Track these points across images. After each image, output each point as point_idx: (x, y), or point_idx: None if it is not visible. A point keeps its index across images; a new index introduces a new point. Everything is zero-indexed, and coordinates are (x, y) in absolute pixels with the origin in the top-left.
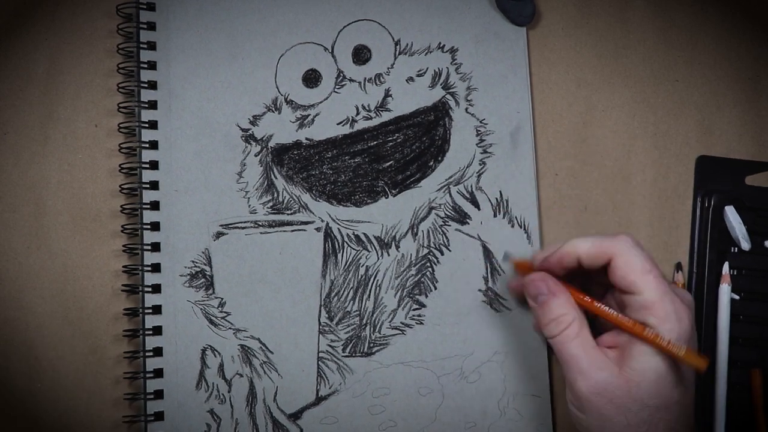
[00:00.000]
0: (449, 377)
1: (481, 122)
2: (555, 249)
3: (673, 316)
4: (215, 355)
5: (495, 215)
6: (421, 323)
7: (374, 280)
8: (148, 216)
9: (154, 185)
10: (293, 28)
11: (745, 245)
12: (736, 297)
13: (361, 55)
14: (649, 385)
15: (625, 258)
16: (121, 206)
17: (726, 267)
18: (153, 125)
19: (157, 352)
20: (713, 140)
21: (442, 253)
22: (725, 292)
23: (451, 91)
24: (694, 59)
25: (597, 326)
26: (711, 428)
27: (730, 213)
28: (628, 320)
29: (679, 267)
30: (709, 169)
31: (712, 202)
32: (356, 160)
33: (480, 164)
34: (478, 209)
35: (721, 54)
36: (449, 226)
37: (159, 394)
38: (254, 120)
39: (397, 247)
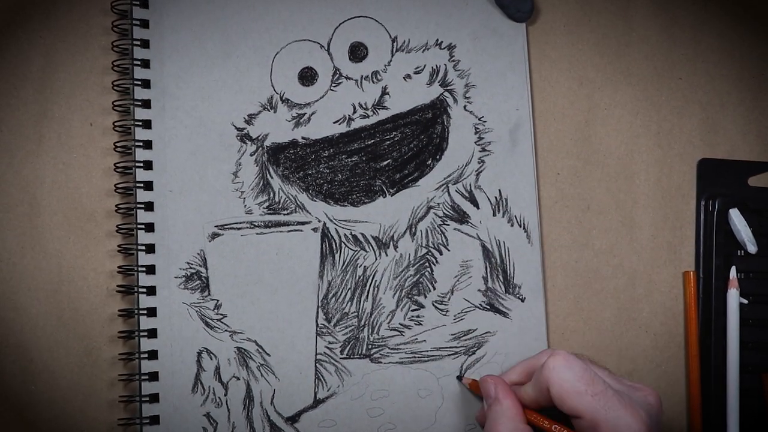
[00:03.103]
0: (449, 378)
1: (479, 120)
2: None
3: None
4: (211, 358)
5: (494, 214)
6: (420, 324)
7: (372, 280)
8: (142, 217)
9: (148, 185)
10: (288, 25)
11: (752, 248)
12: (745, 301)
13: (357, 52)
14: None
15: (555, 386)
16: (116, 206)
17: (733, 271)
18: (147, 124)
19: (153, 354)
20: (717, 139)
21: (441, 253)
22: (733, 297)
23: (449, 88)
24: (698, 57)
25: None
26: None
27: (735, 216)
28: None
29: None
30: (711, 171)
31: (716, 206)
32: (353, 159)
33: (479, 162)
34: (477, 208)
35: (725, 52)
36: (448, 225)
37: (154, 398)
38: (249, 119)
39: (396, 247)
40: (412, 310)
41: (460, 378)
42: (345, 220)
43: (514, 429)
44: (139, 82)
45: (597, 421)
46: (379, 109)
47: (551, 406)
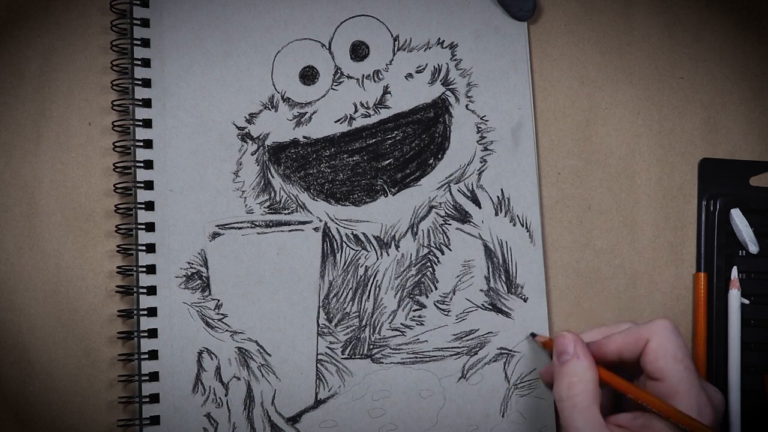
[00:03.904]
0: (450, 379)
1: (481, 119)
2: (592, 339)
3: (695, 410)
4: (212, 358)
5: (497, 214)
6: (422, 324)
7: (374, 280)
8: (143, 216)
9: (148, 185)
10: (289, 24)
11: (753, 248)
12: (746, 301)
13: (359, 51)
14: None
15: (658, 341)
16: (116, 206)
17: (735, 272)
18: (147, 124)
19: (153, 355)
20: (719, 138)
21: (443, 253)
22: (735, 298)
23: (451, 87)
24: (699, 56)
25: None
26: None
27: (737, 216)
28: (661, 401)
29: None
30: (712, 171)
31: (718, 206)
32: (355, 158)
33: (481, 162)
34: (479, 208)
35: (726, 51)
36: (450, 225)
37: (155, 398)
38: (250, 118)
39: (397, 247)
40: (414, 310)
41: (534, 335)
42: (346, 220)
43: (592, 390)
44: (140, 81)
45: (678, 390)
46: (380, 108)
47: (630, 361)
